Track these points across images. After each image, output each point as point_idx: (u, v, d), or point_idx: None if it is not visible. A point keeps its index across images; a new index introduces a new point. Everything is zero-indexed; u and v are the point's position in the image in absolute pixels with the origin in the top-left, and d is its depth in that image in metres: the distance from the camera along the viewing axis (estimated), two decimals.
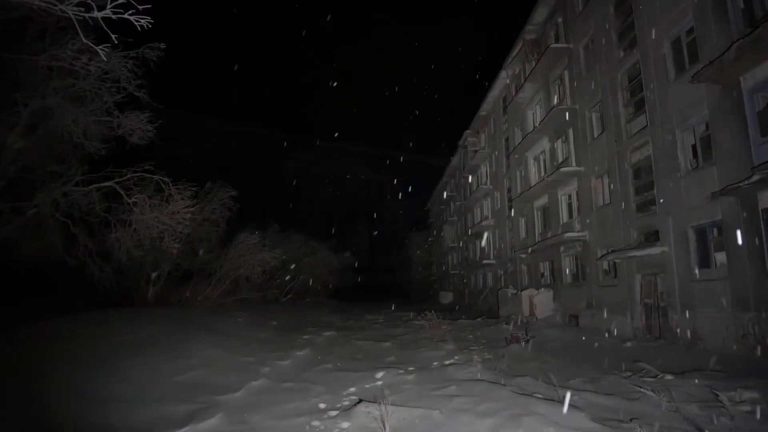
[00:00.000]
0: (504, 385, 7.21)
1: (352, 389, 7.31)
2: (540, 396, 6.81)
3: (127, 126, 9.98)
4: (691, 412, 5.82)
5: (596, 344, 13.40)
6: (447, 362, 10.01)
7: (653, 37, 13.41)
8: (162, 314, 11.80)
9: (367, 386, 7.49)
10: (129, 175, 9.78)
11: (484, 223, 31.01)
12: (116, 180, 9.74)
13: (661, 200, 13.01)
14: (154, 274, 15.71)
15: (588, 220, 17.22)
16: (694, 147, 12.21)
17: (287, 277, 25.21)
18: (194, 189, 11.06)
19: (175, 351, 8.01)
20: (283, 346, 10.26)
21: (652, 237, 13.61)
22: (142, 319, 10.36)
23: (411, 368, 9.02)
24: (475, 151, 33.03)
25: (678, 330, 12.19)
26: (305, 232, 28.99)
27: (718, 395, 5.84)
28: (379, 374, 8.14)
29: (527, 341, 13.49)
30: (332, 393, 6.98)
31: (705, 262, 11.62)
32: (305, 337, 12.44)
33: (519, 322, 18.96)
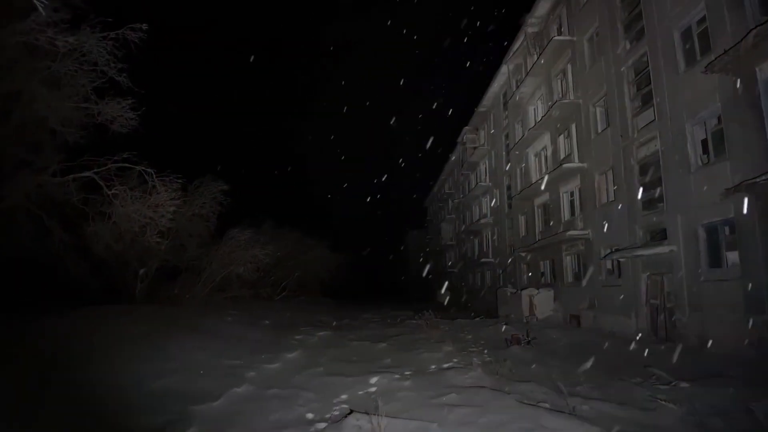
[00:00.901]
0: (508, 392, 6.67)
1: (344, 396, 6.76)
2: (548, 406, 6.29)
3: (108, 113, 9.37)
4: (716, 426, 5.29)
5: (600, 346, 12.90)
6: (445, 365, 9.49)
7: (662, 27, 12.88)
8: (147, 312, 11.21)
9: (359, 393, 6.95)
10: (109, 165, 9.17)
11: (482, 220, 30.48)
12: (95, 170, 9.13)
13: (670, 197, 12.49)
14: (142, 271, 15.11)
15: (591, 218, 16.70)
16: (704, 142, 11.68)
17: (282, 275, 24.65)
18: (181, 181, 10.44)
19: (154, 353, 7.43)
20: (273, 348, 9.69)
21: (658, 235, 13.09)
22: (124, 318, 9.79)
23: (407, 372, 8.49)
24: (474, 148, 32.49)
25: (686, 332, 11.69)
26: (301, 229, 28.39)
27: (753, 410, 5.29)
28: (374, 379, 7.60)
29: (528, 342, 12.99)
30: (322, 401, 6.42)
31: (716, 261, 11.09)
32: (297, 337, 11.88)
33: (521, 322, 18.47)
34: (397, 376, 7.85)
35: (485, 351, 12.07)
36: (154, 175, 9.63)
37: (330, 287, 32.08)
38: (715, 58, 10.26)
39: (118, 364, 6.66)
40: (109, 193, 9.08)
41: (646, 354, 11.43)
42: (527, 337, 13.25)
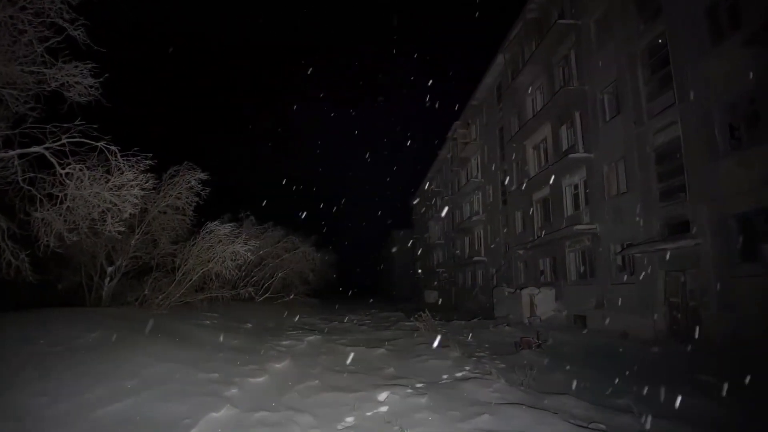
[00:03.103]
0: (555, 412, 5.42)
1: (350, 419, 5.43)
2: (604, 428, 5.07)
3: (62, 78, 7.85)
4: None
5: (618, 350, 11.83)
6: (458, 374, 8.22)
7: (683, 3, 11.91)
8: (109, 316, 9.66)
9: (368, 414, 5.62)
10: (63, 140, 7.64)
11: (474, 218, 29.41)
12: (46, 145, 7.60)
13: (693, 186, 11.48)
14: (110, 269, 13.48)
15: (599, 212, 15.66)
16: (732, 125, 10.70)
17: (265, 274, 23.09)
18: (151, 163, 8.90)
19: (111, 367, 5.98)
20: (258, 357, 8.27)
21: (679, 228, 12.07)
22: (82, 323, 8.25)
23: (419, 385, 7.19)
24: (466, 143, 31.46)
25: (714, 333, 10.67)
26: (286, 226, 26.81)
27: None
28: (382, 395, 6.27)
29: (539, 346, 11.85)
30: (324, 427, 5.08)
31: (750, 255, 10.07)
32: (285, 342, 10.46)
33: (521, 323, 17.37)
34: (409, 390, 6.54)
35: (494, 356, 10.89)
36: (118, 154, 8.10)
37: (315, 287, 30.55)
38: (756, 30, 9.26)
39: (60, 383, 5.21)
40: (62, 172, 7.54)
41: (672, 357, 10.41)
42: (538, 339, 12.10)
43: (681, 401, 6.59)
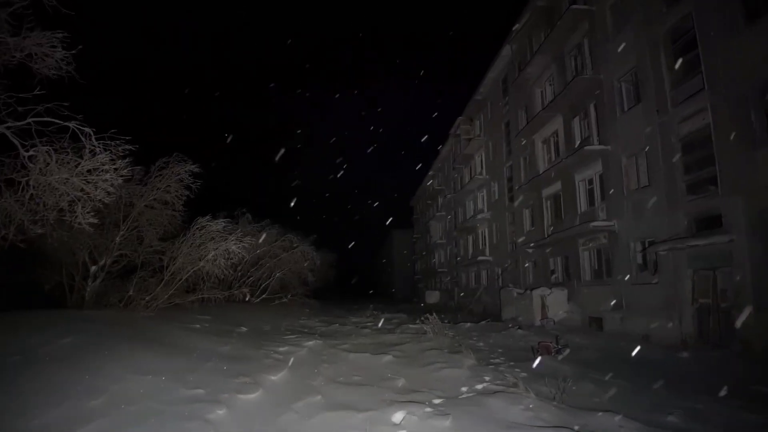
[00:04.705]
0: None
1: None
2: None
3: (30, 48, 6.88)
4: None
5: (643, 355, 10.91)
6: (479, 387, 7.26)
7: None
8: (90, 319, 8.72)
9: None
10: (29, 119, 6.68)
11: (479, 216, 28.46)
12: (8, 125, 6.63)
13: (726, 178, 10.57)
14: (93, 268, 12.50)
15: (617, 207, 14.73)
16: None
17: (262, 275, 22.11)
18: (131, 147, 7.91)
19: (76, 381, 5.00)
20: (251, 366, 7.28)
21: (709, 223, 11.14)
22: (53, 328, 7.31)
23: (437, 400, 6.22)
24: (469, 140, 30.52)
25: (750, 336, 9.74)
26: (284, 225, 25.82)
27: None
28: (397, 415, 5.30)
29: (558, 351, 10.92)
30: None
31: None
32: (281, 349, 9.46)
33: (532, 326, 16.44)
34: (427, 408, 5.56)
35: (512, 363, 9.93)
36: (93, 136, 7.12)
37: (314, 288, 29.59)
38: None
39: (6, 404, 4.23)
40: (26, 154, 6.56)
41: (706, 364, 9.48)
42: (557, 345, 11.16)
43: (744, 419, 5.67)
